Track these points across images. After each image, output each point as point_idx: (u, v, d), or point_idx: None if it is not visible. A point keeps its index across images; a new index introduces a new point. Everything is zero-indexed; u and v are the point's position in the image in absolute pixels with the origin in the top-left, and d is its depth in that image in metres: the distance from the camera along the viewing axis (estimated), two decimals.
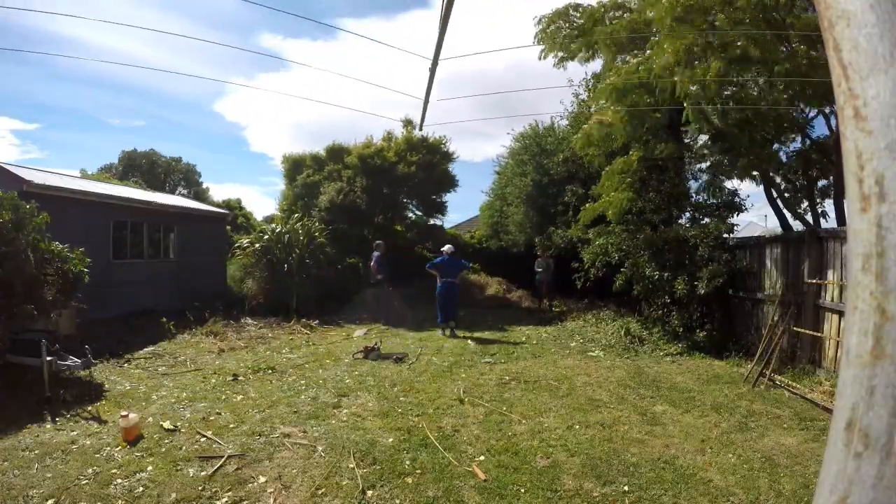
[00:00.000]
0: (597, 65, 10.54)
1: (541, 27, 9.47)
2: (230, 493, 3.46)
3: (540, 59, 9.58)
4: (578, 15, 9.31)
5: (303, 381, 6.41)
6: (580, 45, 9.11)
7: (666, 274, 8.68)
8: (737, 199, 10.49)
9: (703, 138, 9.78)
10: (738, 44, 6.13)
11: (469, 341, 9.46)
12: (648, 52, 7.69)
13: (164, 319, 9.49)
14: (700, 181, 10.10)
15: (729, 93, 7.26)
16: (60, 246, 6.67)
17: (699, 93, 6.48)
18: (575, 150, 10.32)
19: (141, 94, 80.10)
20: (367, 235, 15.98)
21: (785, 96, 6.52)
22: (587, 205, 10.68)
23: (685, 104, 6.94)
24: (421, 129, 6.86)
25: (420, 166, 16.01)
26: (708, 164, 9.99)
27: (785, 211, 8.96)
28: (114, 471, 3.74)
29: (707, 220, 10.20)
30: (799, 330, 6.59)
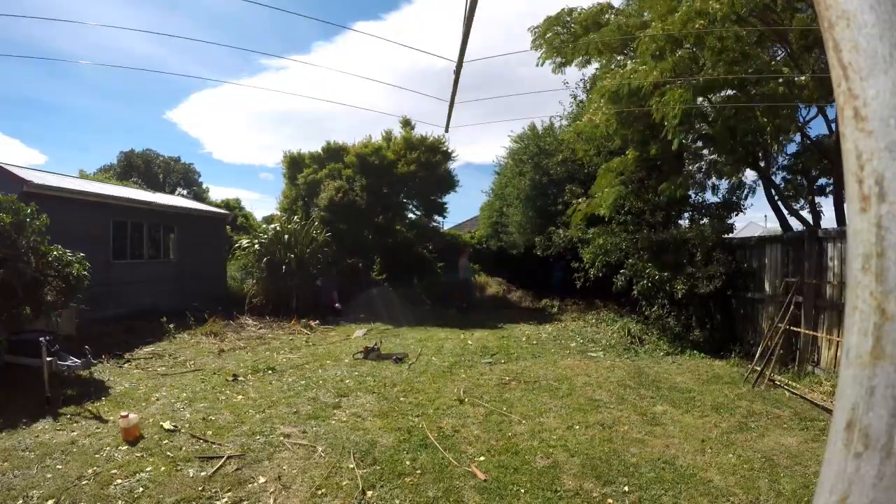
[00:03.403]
0: (594, 67, 10.53)
1: (538, 33, 9.48)
2: (230, 494, 3.46)
3: (538, 65, 9.61)
4: (572, 20, 9.32)
5: (303, 382, 6.41)
6: (577, 50, 9.12)
7: (666, 274, 8.68)
8: (736, 200, 10.50)
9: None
10: (714, 70, 6.19)
11: (469, 341, 9.46)
12: (638, 60, 7.71)
13: (164, 319, 9.49)
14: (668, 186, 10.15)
15: (718, 99, 7.31)
16: (62, 250, 6.68)
17: (677, 112, 6.51)
18: (566, 141, 10.36)
19: (140, 93, 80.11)
20: (368, 236, 15.98)
21: (765, 119, 6.59)
22: (579, 201, 10.69)
23: (668, 118, 6.96)
24: (447, 131, 6.80)
25: (419, 166, 16.03)
26: (702, 164, 10.01)
27: (785, 211, 8.97)
28: (114, 471, 3.74)
29: (706, 220, 10.20)
30: (798, 330, 6.59)
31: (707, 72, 6.47)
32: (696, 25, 6.03)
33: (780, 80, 6.38)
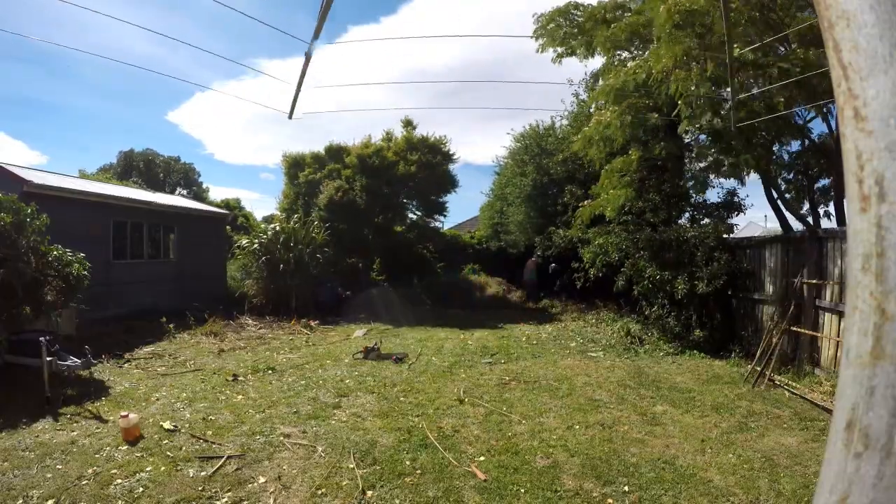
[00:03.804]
0: (597, 62, 10.53)
1: (540, 23, 9.47)
2: (230, 494, 3.46)
3: (538, 52, 9.60)
4: (579, 13, 9.31)
5: (303, 382, 6.41)
6: (580, 42, 9.11)
7: (666, 274, 8.69)
8: (736, 199, 10.51)
9: (703, 137, 9.78)
10: (735, 46, 6.13)
11: (469, 341, 9.46)
12: (647, 53, 7.69)
13: (164, 319, 9.49)
14: (693, 180, 10.10)
15: (726, 94, 7.26)
16: (62, 250, 6.68)
17: (694, 94, 6.48)
18: (575, 151, 10.32)
19: (139, 93, 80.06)
20: (368, 235, 15.99)
21: (782, 98, 6.52)
22: (584, 203, 10.67)
23: (680, 103, 6.94)
24: (291, 118, 6.17)
25: (420, 166, 16.03)
26: (706, 163, 9.99)
27: (785, 211, 8.97)
28: (114, 471, 3.74)
29: (707, 220, 10.20)
30: (798, 330, 6.58)
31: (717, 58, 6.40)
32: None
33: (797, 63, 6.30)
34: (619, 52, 9.21)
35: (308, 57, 4.86)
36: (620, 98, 7.80)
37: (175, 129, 79.41)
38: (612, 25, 8.43)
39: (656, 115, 8.32)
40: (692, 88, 6.39)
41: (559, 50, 9.49)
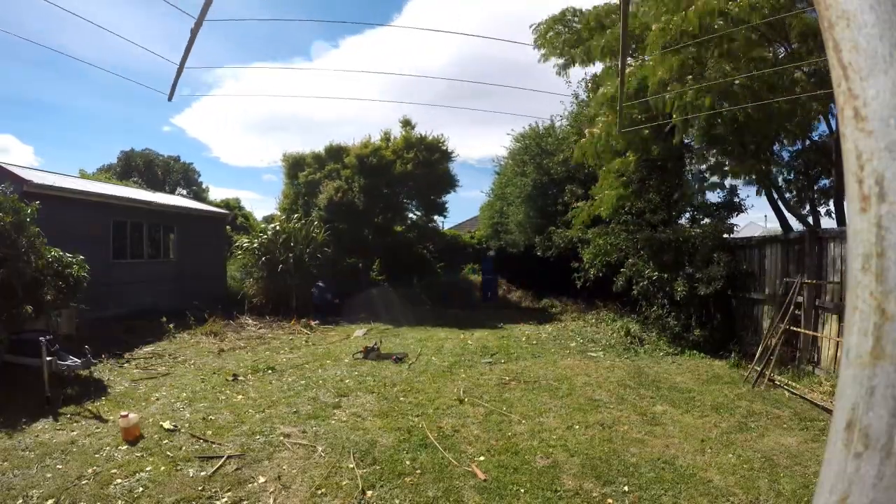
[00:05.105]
0: (599, 66, 10.50)
1: (539, 32, 9.45)
2: (230, 493, 3.46)
3: (540, 62, 9.58)
4: (577, 20, 9.29)
5: (303, 382, 6.41)
6: (578, 53, 9.10)
7: (665, 274, 8.68)
8: (736, 200, 10.51)
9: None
10: (727, 68, 6.16)
11: (469, 341, 9.46)
12: (642, 62, 7.69)
13: (164, 319, 9.49)
14: (694, 182, 10.12)
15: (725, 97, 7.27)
16: (59, 252, 6.69)
17: (689, 105, 6.48)
18: (574, 159, 10.32)
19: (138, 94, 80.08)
20: (367, 235, 16.00)
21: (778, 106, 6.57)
22: (580, 203, 10.67)
23: (675, 116, 6.95)
24: (171, 100, 5.59)
25: (419, 165, 16.02)
26: (707, 165, 9.99)
27: (785, 211, 8.97)
28: (114, 471, 3.74)
29: (707, 220, 10.19)
30: (798, 330, 6.58)
31: (714, 70, 6.41)
32: (714, 23, 6.06)
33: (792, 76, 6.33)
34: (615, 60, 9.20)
35: (193, 35, 4.40)
36: (616, 107, 7.79)
37: (182, 133, 79.75)
38: (608, 31, 8.43)
39: (648, 128, 8.31)
40: (687, 99, 6.40)
41: (560, 61, 9.48)
